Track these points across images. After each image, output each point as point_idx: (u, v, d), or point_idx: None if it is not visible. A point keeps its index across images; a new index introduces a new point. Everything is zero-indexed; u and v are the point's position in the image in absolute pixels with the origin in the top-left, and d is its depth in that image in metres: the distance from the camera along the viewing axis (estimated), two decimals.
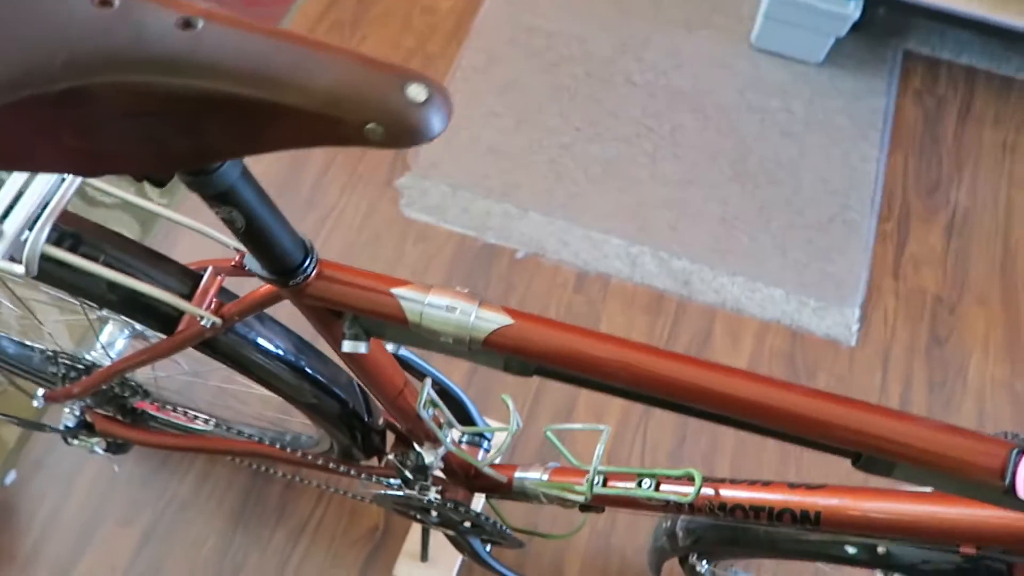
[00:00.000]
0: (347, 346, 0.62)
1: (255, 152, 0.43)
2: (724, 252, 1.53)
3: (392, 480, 0.94)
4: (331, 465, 0.94)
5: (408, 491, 0.90)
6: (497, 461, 0.85)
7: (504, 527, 0.97)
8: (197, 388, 1.02)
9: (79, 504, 1.27)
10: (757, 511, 0.75)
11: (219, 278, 0.70)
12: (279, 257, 0.56)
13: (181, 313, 0.70)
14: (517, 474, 0.95)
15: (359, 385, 0.92)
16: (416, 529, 1.25)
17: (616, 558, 1.28)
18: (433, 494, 0.90)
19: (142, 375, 0.96)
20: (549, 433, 0.85)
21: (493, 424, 1.14)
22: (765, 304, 1.49)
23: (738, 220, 1.56)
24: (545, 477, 0.92)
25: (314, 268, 0.59)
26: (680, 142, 1.64)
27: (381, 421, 0.96)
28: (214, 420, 0.94)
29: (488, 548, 1.06)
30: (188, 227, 0.69)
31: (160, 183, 0.48)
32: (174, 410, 0.93)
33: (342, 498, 1.30)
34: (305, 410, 0.87)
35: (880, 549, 0.77)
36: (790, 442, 0.61)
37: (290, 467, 1.14)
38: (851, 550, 0.79)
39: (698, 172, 1.61)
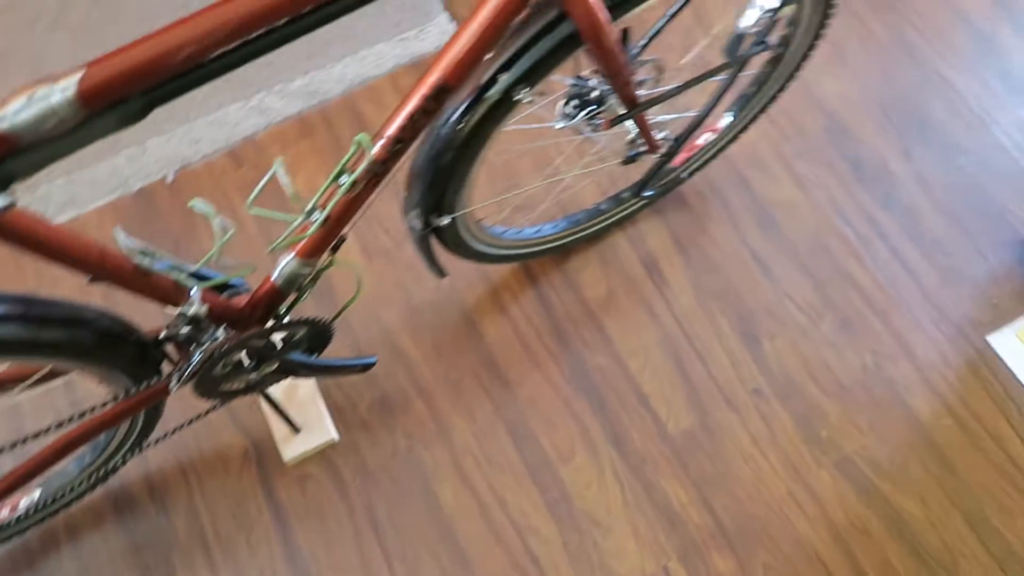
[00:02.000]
0: None
1: None
2: (326, 46, 1.61)
3: (193, 359, 0.98)
4: (138, 391, 0.96)
5: (203, 346, 0.95)
6: (223, 259, 0.89)
7: (310, 318, 1.04)
8: None
9: None
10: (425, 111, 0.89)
11: None
12: None
13: None
14: (273, 275, 1.02)
15: (107, 312, 0.93)
16: (272, 417, 1.30)
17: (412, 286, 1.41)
18: (222, 332, 0.95)
19: None
20: (253, 210, 0.91)
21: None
22: (380, 61, 1.61)
23: None
24: (291, 255, 1.00)
25: None
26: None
27: (151, 338, 0.99)
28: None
29: (314, 357, 1.14)
30: None
31: None
32: None
33: (201, 454, 1.31)
34: (65, 358, 0.88)
35: None
36: None
37: (124, 444, 1.14)
38: None
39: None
